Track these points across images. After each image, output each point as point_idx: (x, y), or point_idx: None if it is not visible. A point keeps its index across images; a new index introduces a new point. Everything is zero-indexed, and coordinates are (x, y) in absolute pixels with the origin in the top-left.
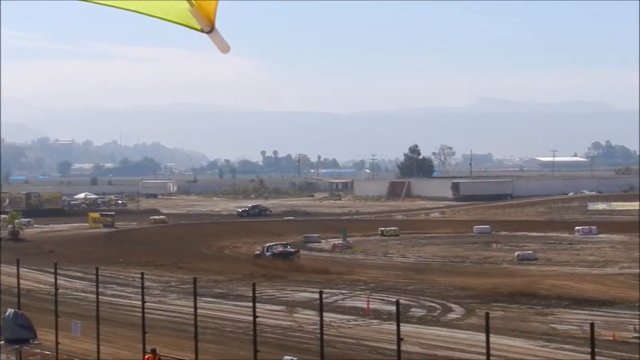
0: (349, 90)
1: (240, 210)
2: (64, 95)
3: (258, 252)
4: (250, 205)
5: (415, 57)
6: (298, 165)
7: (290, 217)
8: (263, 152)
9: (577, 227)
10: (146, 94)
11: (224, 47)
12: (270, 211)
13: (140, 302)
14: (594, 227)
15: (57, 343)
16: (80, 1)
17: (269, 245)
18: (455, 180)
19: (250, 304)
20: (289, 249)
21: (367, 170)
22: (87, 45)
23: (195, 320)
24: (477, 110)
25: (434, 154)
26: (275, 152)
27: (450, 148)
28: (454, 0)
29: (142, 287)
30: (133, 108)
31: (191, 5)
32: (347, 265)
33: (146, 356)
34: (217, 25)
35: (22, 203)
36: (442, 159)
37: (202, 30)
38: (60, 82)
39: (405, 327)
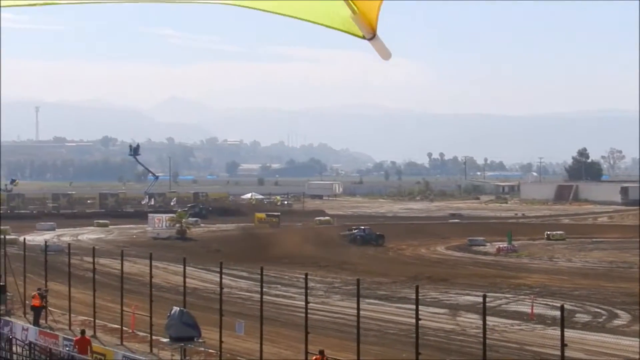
0: (518, 92)
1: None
2: (234, 97)
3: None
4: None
5: (589, 57)
6: (464, 168)
7: (456, 220)
8: (429, 154)
9: None
10: (315, 96)
11: (385, 54)
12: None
13: (303, 303)
14: None
15: (220, 342)
16: (248, 8)
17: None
18: (625, 185)
19: (413, 306)
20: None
21: (534, 174)
22: (259, 47)
23: (358, 321)
24: None
25: (602, 157)
26: (441, 154)
27: (620, 151)
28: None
29: (306, 288)
30: (302, 109)
31: (354, 12)
32: (512, 269)
33: (314, 357)
34: (378, 32)
35: (190, 202)
36: (611, 162)
37: (363, 37)
38: (231, 83)
39: (569, 333)
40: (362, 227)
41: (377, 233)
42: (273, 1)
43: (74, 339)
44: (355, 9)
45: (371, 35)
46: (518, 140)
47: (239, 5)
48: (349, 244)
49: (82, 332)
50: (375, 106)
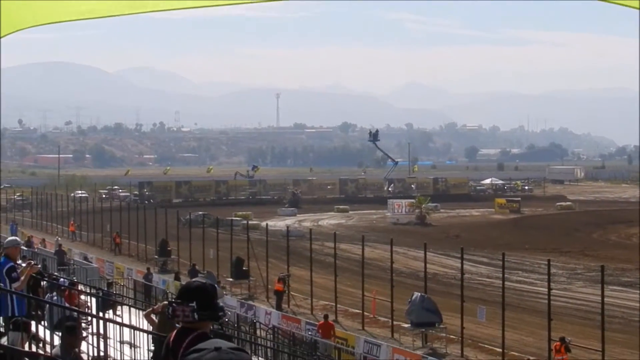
0: None
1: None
2: (473, 81)
3: None
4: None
5: None
6: None
7: None
8: None
9: None
10: (556, 79)
11: None
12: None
13: (545, 289)
14: None
15: (462, 327)
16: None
17: None
18: None
19: None
20: None
21: None
22: (499, 31)
23: (602, 308)
24: None
25: None
26: None
27: None
28: None
29: (549, 274)
30: (542, 93)
31: None
32: None
33: (555, 343)
34: None
35: (429, 188)
36: None
37: None
38: (470, 68)
39: None
40: None
41: None
42: None
43: (318, 323)
44: None
45: None
46: None
47: None
48: None
49: (325, 317)
50: (620, 89)
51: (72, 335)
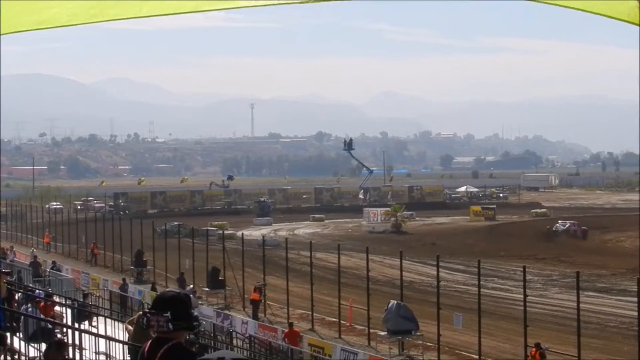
0: None
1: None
2: (448, 89)
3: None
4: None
5: None
6: None
7: None
8: None
9: None
10: (529, 87)
11: None
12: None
13: (521, 295)
14: None
15: (438, 335)
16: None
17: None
18: None
19: (634, 299)
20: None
21: None
22: (473, 39)
23: (578, 314)
24: None
25: None
26: None
27: None
28: None
29: (524, 281)
30: (516, 101)
31: None
32: None
33: (531, 350)
34: None
35: (405, 196)
36: None
37: None
38: (444, 76)
39: None
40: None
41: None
42: None
43: (284, 332)
44: None
45: None
46: None
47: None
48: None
49: (290, 325)
50: (593, 96)
51: (59, 350)
